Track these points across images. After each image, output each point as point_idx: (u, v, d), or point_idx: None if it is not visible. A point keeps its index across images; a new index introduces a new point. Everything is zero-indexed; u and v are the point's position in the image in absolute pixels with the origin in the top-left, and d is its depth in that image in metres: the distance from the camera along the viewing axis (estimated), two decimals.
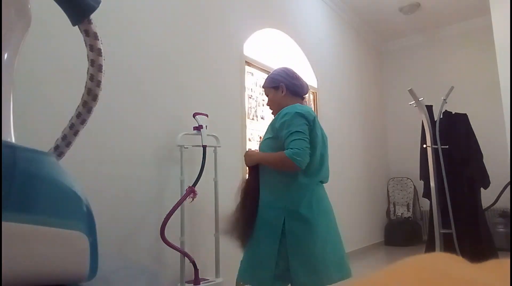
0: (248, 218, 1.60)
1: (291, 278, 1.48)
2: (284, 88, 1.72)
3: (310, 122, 1.58)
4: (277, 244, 1.50)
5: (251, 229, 1.59)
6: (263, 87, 1.82)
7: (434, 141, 3.22)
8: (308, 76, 4.24)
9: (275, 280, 1.49)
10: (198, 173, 2.36)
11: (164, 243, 2.15)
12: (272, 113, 1.79)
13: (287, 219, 1.52)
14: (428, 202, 3.48)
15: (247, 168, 1.73)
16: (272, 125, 1.66)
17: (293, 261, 1.48)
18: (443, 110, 3.40)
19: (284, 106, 1.67)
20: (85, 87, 0.50)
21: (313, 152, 1.56)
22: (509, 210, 4.35)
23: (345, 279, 1.58)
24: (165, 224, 2.14)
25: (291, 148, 1.48)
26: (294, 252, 1.49)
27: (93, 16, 0.49)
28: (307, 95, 1.85)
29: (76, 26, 0.49)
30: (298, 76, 1.78)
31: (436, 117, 3.39)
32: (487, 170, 3.57)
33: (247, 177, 1.72)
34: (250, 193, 1.64)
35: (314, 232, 1.52)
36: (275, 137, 1.61)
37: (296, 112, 1.56)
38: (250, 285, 1.58)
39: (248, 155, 1.70)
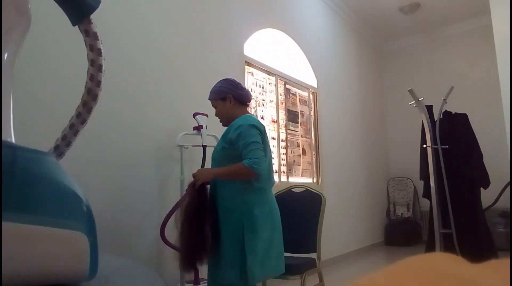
0: (202, 234, 1.64)
1: (247, 271, 1.60)
2: (231, 99, 1.81)
3: (262, 132, 1.73)
4: (241, 244, 1.63)
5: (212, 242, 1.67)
6: (210, 99, 1.88)
7: (434, 141, 3.22)
8: (308, 76, 4.25)
9: (242, 278, 1.62)
10: None
11: (164, 243, 2.15)
12: (222, 123, 1.88)
13: (244, 220, 1.65)
14: (428, 202, 3.48)
15: (188, 189, 1.74)
16: (225, 136, 1.76)
17: (249, 255, 1.61)
18: (443, 110, 3.40)
19: (233, 116, 1.80)
20: (85, 87, 0.50)
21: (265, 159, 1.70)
22: (509, 210, 4.34)
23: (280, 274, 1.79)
24: (165, 224, 2.14)
25: (250, 158, 1.60)
26: (251, 248, 1.62)
27: (93, 16, 0.49)
28: (250, 103, 1.98)
29: (76, 26, 0.49)
30: (242, 85, 1.89)
31: (436, 117, 3.39)
32: (487, 170, 3.57)
33: (187, 200, 1.72)
34: (196, 212, 1.67)
35: (265, 229, 1.68)
36: (229, 147, 1.71)
37: (250, 124, 1.69)
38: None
39: (202, 172, 1.73)
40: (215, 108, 1.86)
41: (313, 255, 2.20)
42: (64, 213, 0.33)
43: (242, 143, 1.64)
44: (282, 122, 3.79)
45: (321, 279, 2.20)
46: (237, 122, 1.72)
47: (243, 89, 1.87)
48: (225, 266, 1.65)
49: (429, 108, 3.48)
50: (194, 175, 1.74)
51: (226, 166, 1.69)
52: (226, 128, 1.82)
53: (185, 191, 1.82)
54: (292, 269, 2.00)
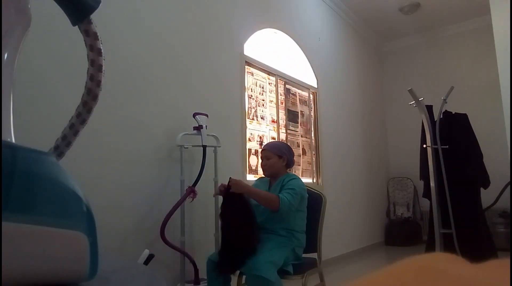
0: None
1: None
2: (286, 160, 2.19)
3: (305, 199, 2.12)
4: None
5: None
6: (267, 149, 2.20)
7: (434, 141, 3.22)
8: (308, 76, 4.25)
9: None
10: (198, 173, 2.36)
11: (164, 243, 2.15)
12: (266, 173, 2.21)
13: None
14: (428, 202, 3.48)
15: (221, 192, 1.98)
16: (276, 186, 2.11)
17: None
18: (443, 110, 3.40)
19: (278, 172, 2.17)
20: (85, 87, 0.50)
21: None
22: (509, 210, 4.35)
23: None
24: (165, 224, 2.14)
25: (288, 199, 1.93)
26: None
27: (94, 16, 0.49)
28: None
29: (76, 26, 0.49)
30: (293, 154, 2.28)
31: (436, 117, 3.39)
32: (487, 170, 3.57)
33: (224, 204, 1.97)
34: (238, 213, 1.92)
35: None
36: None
37: (302, 186, 2.10)
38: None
39: (238, 183, 1.93)
40: (268, 159, 2.16)
41: (314, 255, 2.20)
42: (64, 213, 0.33)
43: (290, 186, 2.01)
44: (282, 122, 3.79)
45: (322, 279, 2.20)
46: (290, 176, 2.12)
47: (294, 156, 2.26)
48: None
49: (429, 108, 3.48)
50: (230, 180, 1.92)
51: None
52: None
53: (219, 190, 2.00)
54: (294, 269, 2.01)
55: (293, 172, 3.84)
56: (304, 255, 2.17)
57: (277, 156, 2.16)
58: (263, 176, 2.29)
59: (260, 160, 2.25)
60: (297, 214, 2.08)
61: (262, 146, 2.28)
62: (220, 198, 2.54)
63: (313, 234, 2.21)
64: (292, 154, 2.24)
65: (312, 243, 2.20)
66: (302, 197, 2.08)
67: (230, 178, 1.96)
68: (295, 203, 1.99)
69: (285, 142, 2.25)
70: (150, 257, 1.86)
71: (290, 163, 2.22)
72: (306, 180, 4.02)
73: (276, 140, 2.31)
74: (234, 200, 1.91)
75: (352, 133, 4.99)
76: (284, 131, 3.80)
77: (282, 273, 1.99)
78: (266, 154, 2.18)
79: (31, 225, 0.30)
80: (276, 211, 1.95)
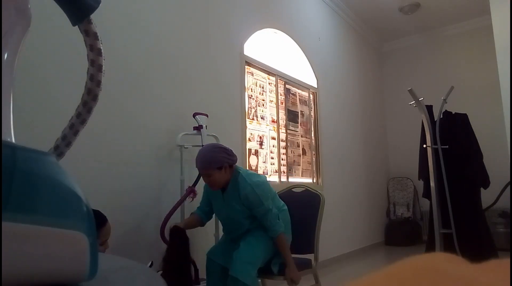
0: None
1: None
2: (227, 167, 1.92)
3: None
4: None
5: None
6: (203, 168, 1.90)
7: (434, 141, 3.22)
8: (308, 76, 4.25)
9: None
10: (198, 173, 2.36)
11: (164, 243, 2.15)
12: (215, 189, 1.96)
13: None
14: (428, 202, 3.48)
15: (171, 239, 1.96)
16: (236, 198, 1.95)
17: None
18: (443, 110, 3.40)
19: (227, 181, 1.94)
20: (85, 87, 0.50)
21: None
22: (509, 210, 4.35)
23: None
24: (165, 224, 2.14)
25: (279, 225, 1.92)
26: None
27: (94, 16, 0.49)
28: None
29: (76, 26, 0.49)
30: (230, 150, 1.98)
31: (436, 117, 3.39)
32: (487, 170, 3.57)
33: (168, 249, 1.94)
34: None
35: None
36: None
37: (263, 186, 1.95)
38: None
39: (294, 271, 1.91)
40: (209, 176, 1.90)
41: (310, 256, 2.15)
42: (64, 213, 0.33)
43: (262, 208, 1.90)
44: (282, 122, 3.79)
45: (317, 281, 2.13)
46: (241, 181, 1.93)
47: (233, 154, 1.98)
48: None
49: (429, 108, 3.48)
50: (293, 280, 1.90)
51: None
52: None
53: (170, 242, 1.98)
54: (280, 269, 1.96)
55: (291, 168, 3.84)
56: (299, 256, 2.13)
57: (216, 169, 1.88)
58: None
59: (205, 177, 1.95)
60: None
61: (198, 166, 1.94)
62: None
63: (309, 234, 2.16)
64: (229, 153, 1.94)
65: (309, 244, 2.15)
66: (272, 198, 1.98)
67: (174, 226, 1.96)
68: (274, 215, 1.92)
69: (212, 144, 1.98)
70: (151, 264, 1.89)
71: (232, 162, 1.96)
72: (306, 180, 4.02)
73: (204, 147, 1.98)
74: (177, 239, 1.93)
75: (352, 133, 4.99)
76: (284, 131, 3.80)
77: (266, 272, 1.97)
78: (205, 173, 1.91)
79: (31, 225, 0.30)
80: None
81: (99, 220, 1.59)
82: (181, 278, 1.86)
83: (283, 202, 2.13)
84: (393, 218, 5.49)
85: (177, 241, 1.92)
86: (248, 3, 3.38)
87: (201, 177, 2.02)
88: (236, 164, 2.03)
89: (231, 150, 1.98)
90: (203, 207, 2.14)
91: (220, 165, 1.88)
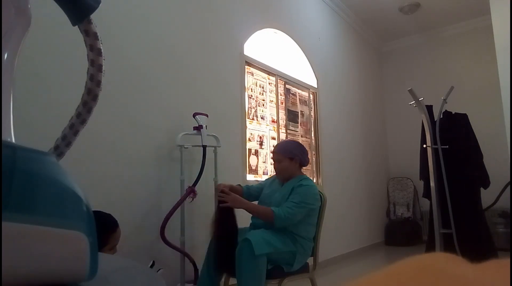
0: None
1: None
2: (298, 161, 2.07)
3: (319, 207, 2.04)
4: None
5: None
6: (277, 152, 2.08)
7: (434, 141, 3.22)
8: (308, 76, 4.25)
9: None
10: (198, 173, 2.36)
11: (164, 243, 2.15)
12: (279, 177, 2.11)
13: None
14: (428, 202, 3.48)
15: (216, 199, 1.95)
16: (285, 190, 2.00)
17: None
18: (443, 110, 3.40)
19: (292, 175, 2.06)
20: (85, 87, 0.50)
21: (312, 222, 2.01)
22: (509, 210, 4.35)
23: None
24: (165, 224, 2.14)
25: (284, 214, 1.82)
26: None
27: (94, 16, 0.49)
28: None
29: (76, 26, 0.49)
30: (307, 152, 2.15)
31: (436, 117, 3.39)
32: (487, 170, 3.57)
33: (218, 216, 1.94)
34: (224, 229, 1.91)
35: None
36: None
37: (313, 196, 1.96)
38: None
39: (236, 199, 1.89)
40: (279, 162, 2.05)
41: (310, 258, 2.07)
42: (64, 213, 0.33)
43: (295, 201, 1.88)
44: (282, 122, 3.79)
45: (313, 285, 2.06)
46: (302, 180, 1.99)
47: (308, 155, 2.14)
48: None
49: (429, 108, 3.48)
50: (228, 194, 1.88)
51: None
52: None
53: (214, 196, 2.03)
54: (272, 273, 1.83)
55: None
56: None
57: (288, 158, 2.04)
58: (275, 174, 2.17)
59: (272, 162, 2.12)
60: (300, 223, 1.94)
61: (273, 148, 2.12)
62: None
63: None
64: (305, 153, 2.11)
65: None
66: (310, 210, 1.93)
67: (218, 184, 1.97)
68: (295, 217, 1.86)
69: (296, 141, 2.10)
70: (152, 264, 1.90)
71: (303, 163, 2.10)
72: None
73: (288, 139, 2.18)
74: (226, 214, 1.90)
75: (352, 133, 4.99)
76: (284, 131, 3.80)
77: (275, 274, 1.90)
78: (276, 157, 2.06)
79: (31, 225, 0.30)
80: (272, 223, 1.87)
81: (111, 225, 1.60)
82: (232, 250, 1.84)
83: (314, 234, 2.04)
84: (393, 218, 5.49)
85: (227, 219, 1.91)
86: (248, 3, 3.38)
87: (273, 163, 2.14)
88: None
89: (307, 153, 2.16)
90: (252, 188, 2.20)
91: (292, 156, 2.05)
